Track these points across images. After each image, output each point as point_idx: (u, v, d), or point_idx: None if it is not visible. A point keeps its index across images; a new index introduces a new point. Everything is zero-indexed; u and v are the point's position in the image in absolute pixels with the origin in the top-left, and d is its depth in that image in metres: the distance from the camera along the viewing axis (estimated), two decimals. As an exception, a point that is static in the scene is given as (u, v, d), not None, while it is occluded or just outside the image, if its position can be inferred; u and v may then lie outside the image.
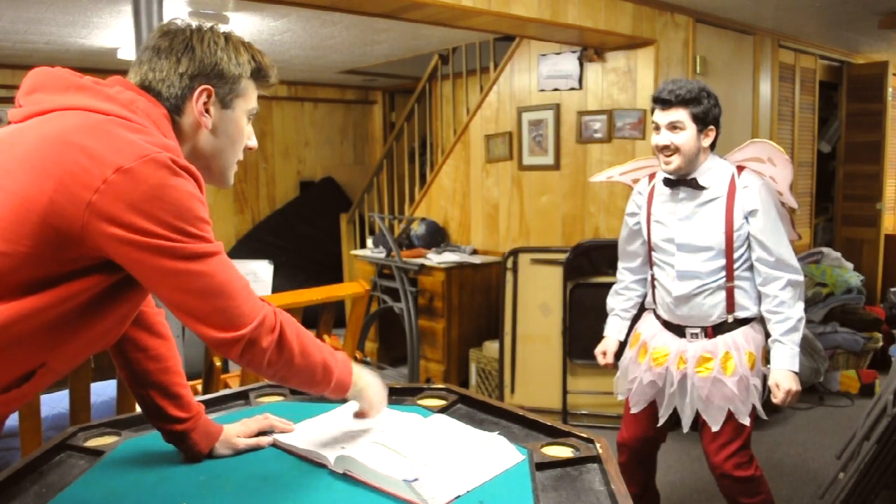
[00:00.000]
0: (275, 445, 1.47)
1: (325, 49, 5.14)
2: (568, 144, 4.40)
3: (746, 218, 2.17)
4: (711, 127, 2.17)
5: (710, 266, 2.21)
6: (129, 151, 1.02)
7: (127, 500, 1.25)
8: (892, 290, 5.29)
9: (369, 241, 5.61)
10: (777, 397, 2.15)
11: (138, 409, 1.47)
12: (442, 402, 1.70)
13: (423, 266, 4.61)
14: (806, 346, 4.19)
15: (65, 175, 1.00)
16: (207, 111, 1.18)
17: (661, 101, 2.17)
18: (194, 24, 1.20)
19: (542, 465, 1.37)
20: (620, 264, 2.54)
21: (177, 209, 1.03)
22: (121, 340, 1.34)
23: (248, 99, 1.23)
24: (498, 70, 4.83)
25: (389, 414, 1.62)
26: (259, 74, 1.24)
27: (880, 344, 4.65)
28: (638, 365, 2.39)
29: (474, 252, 5.01)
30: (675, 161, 2.17)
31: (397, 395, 1.74)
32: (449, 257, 4.75)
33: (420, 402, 1.70)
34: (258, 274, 6.25)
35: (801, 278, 2.18)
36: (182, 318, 1.10)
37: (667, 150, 2.17)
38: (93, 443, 1.48)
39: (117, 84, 1.15)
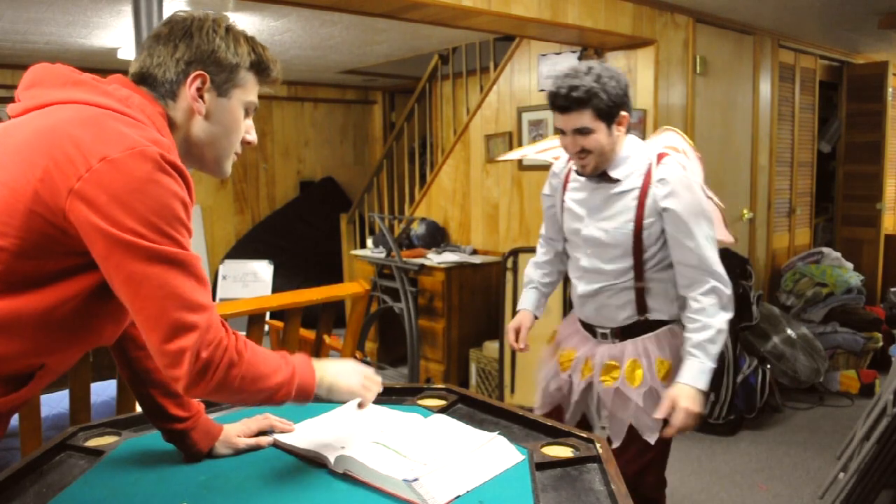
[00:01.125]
0: (275, 445, 1.47)
1: (325, 49, 5.14)
2: (568, 144, 4.40)
3: (661, 214, 1.90)
4: (622, 114, 1.87)
5: (617, 265, 1.97)
6: (118, 143, 1.02)
7: (127, 500, 1.25)
8: (892, 290, 5.28)
9: (369, 241, 5.61)
10: (666, 414, 1.78)
11: (138, 408, 1.47)
12: (442, 402, 1.70)
13: (423, 266, 4.61)
14: (806, 346, 4.19)
15: (51, 163, 1.00)
16: (201, 97, 1.17)
17: (559, 108, 1.87)
18: (199, 13, 1.20)
19: (542, 465, 1.37)
20: (542, 238, 2.29)
21: (156, 205, 1.02)
22: (122, 339, 1.34)
23: (247, 90, 1.22)
24: (498, 70, 4.83)
25: (389, 414, 1.62)
26: (259, 67, 1.23)
27: (880, 344, 4.65)
28: (548, 364, 2.19)
29: (474, 252, 5.01)
30: (591, 163, 1.91)
31: (397, 395, 1.74)
32: (449, 257, 4.74)
33: (420, 402, 1.70)
34: (258, 274, 6.27)
35: (726, 288, 1.88)
36: (137, 322, 1.06)
37: (579, 154, 1.90)
38: (93, 443, 1.48)
39: (115, 82, 1.15)
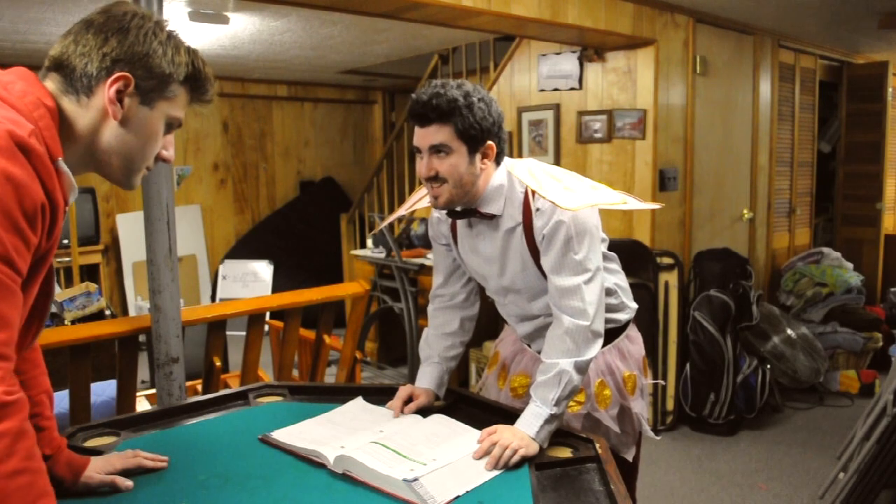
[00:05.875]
0: (275, 446, 1.47)
1: (325, 49, 5.14)
2: (568, 144, 4.40)
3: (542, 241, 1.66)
4: (489, 143, 1.60)
5: (540, 304, 1.75)
6: None
7: (127, 500, 1.25)
8: (892, 290, 5.29)
9: (369, 241, 5.61)
10: (482, 444, 1.44)
11: (138, 408, 1.46)
12: (442, 403, 1.71)
13: (423, 266, 4.61)
14: (806, 346, 4.19)
15: None
16: (121, 101, 1.05)
17: (417, 117, 1.59)
18: (142, 11, 1.10)
19: (542, 465, 1.37)
20: (438, 299, 1.97)
21: None
22: None
23: (175, 105, 1.11)
24: (498, 70, 4.83)
25: (389, 414, 1.62)
26: (195, 83, 1.13)
27: (880, 344, 4.65)
28: (499, 391, 1.96)
29: (474, 252, 5.00)
30: (444, 193, 1.61)
31: (397, 395, 1.74)
32: (449, 257, 4.73)
33: (420, 402, 1.69)
34: (258, 274, 6.27)
35: (584, 324, 1.57)
36: None
37: (432, 180, 1.61)
38: (93, 443, 1.48)
39: (13, 73, 1.06)
